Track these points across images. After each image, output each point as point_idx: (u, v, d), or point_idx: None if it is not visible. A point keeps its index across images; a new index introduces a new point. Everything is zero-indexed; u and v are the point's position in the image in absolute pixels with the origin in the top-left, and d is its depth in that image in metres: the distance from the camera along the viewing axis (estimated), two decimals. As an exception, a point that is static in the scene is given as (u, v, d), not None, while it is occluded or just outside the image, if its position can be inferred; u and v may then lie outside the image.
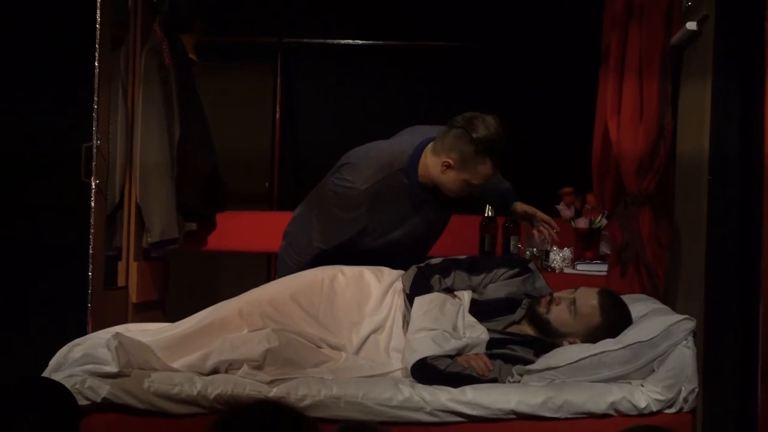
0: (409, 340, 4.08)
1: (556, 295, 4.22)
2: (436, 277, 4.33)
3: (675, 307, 4.34)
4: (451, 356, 4.02)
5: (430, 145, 4.54)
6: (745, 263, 3.97)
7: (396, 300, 4.32)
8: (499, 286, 4.36)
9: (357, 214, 4.54)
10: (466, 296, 4.33)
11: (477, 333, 4.12)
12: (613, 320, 4.14)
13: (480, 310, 4.26)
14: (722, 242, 4.01)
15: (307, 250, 4.65)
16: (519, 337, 4.17)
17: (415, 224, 4.64)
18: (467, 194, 4.55)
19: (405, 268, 4.43)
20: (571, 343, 4.13)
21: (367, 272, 4.42)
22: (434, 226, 4.76)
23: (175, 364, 4.01)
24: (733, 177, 4.01)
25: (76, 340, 4.09)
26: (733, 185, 4.01)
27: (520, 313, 4.25)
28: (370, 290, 4.36)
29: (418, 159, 4.54)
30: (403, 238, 4.64)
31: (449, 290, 4.35)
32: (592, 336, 4.11)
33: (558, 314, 4.16)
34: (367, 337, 4.25)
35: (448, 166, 4.44)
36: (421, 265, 4.40)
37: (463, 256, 4.48)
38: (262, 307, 4.22)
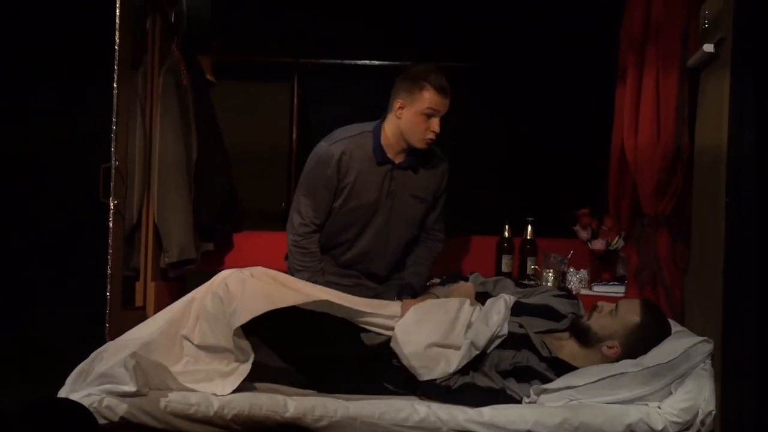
0: (423, 354, 4.09)
1: (599, 304, 4.24)
2: (475, 274, 4.61)
3: (692, 329, 4.34)
4: (459, 371, 4.06)
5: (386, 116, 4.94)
6: (763, 285, 3.96)
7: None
8: (545, 296, 4.42)
9: (330, 170, 4.85)
10: (509, 298, 4.37)
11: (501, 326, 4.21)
12: (652, 323, 4.15)
13: (523, 309, 4.30)
14: (740, 264, 4.00)
15: (300, 228, 4.92)
16: (545, 355, 4.17)
17: (381, 192, 4.88)
18: (429, 137, 4.80)
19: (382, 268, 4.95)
20: (609, 348, 4.13)
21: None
22: (401, 205, 4.93)
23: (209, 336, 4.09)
24: (750, 198, 4.00)
25: (100, 349, 4.11)
26: (750, 206, 4.00)
27: (565, 323, 4.28)
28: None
29: (380, 128, 4.91)
30: (371, 206, 4.90)
31: (488, 294, 4.52)
32: (630, 337, 4.12)
33: (598, 320, 4.20)
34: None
35: (401, 107, 4.80)
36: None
37: None
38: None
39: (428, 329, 4.20)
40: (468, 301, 4.41)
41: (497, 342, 4.18)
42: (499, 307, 4.29)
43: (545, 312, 4.34)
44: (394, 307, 4.52)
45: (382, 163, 4.88)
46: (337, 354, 4.27)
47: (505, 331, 4.20)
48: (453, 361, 4.09)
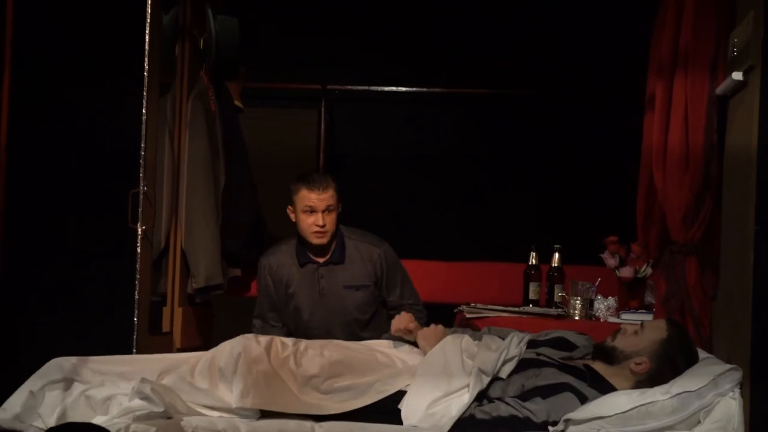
0: (426, 415, 4.04)
1: (622, 326, 4.22)
2: (487, 327, 4.60)
3: (719, 358, 4.31)
4: (478, 400, 4.05)
5: None
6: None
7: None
8: (558, 332, 4.41)
9: (264, 281, 5.34)
10: (521, 333, 4.36)
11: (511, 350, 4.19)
12: (678, 338, 4.12)
13: (538, 343, 4.30)
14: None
15: (256, 322, 5.40)
16: (573, 368, 4.14)
17: (313, 291, 5.23)
18: (314, 231, 5.16)
19: None
20: (638, 365, 4.09)
21: None
22: (336, 298, 5.21)
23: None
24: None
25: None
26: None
27: (581, 350, 4.26)
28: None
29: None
30: (306, 307, 5.23)
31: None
32: (658, 351, 4.08)
33: (623, 339, 4.18)
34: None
35: (292, 212, 5.23)
36: None
37: None
38: None
39: (425, 389, 4.14)
40: (449, 339, 4.36)
41: (510, 366, 4.15)
42: (504, 334, 4.29)
43: (560, 343, 4.33)
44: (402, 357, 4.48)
45: (304, 263, 5.25)
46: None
47: (513, 353, 4.17)
48: (465, 395, 4.04)
